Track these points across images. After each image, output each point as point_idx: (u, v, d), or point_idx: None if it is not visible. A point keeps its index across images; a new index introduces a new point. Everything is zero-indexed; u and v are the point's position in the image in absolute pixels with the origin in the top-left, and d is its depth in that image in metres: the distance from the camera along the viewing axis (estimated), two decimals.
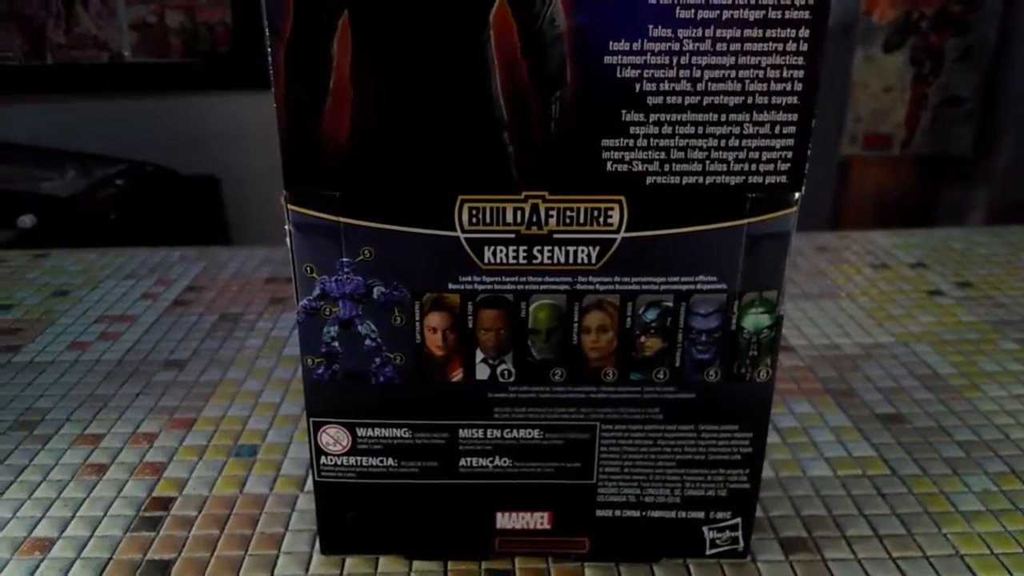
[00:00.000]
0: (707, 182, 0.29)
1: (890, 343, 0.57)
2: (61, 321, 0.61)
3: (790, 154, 0.29)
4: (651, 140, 0.28)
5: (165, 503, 0.41)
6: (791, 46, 0.27)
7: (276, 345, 0.57)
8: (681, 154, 0.29)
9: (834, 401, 0.50)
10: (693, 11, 0.27)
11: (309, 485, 0.42)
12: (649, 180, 0.29)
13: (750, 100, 0.28)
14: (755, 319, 0.31)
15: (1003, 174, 1.39)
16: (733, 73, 0.27)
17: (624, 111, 0.28)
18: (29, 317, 0.62)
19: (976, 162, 1.43)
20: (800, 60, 0.27)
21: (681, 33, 0.27)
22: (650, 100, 0.28)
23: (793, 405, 0.49)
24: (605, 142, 0.28)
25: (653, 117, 0.28)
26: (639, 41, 0.27)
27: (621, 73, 0.27)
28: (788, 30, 0.27)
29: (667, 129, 0.28)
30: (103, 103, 1.68)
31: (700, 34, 0.27)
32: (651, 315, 0.31)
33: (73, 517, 0.40)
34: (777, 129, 0.28)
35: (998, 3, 1.32)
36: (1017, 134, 1.36)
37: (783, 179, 0.29)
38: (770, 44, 0.27)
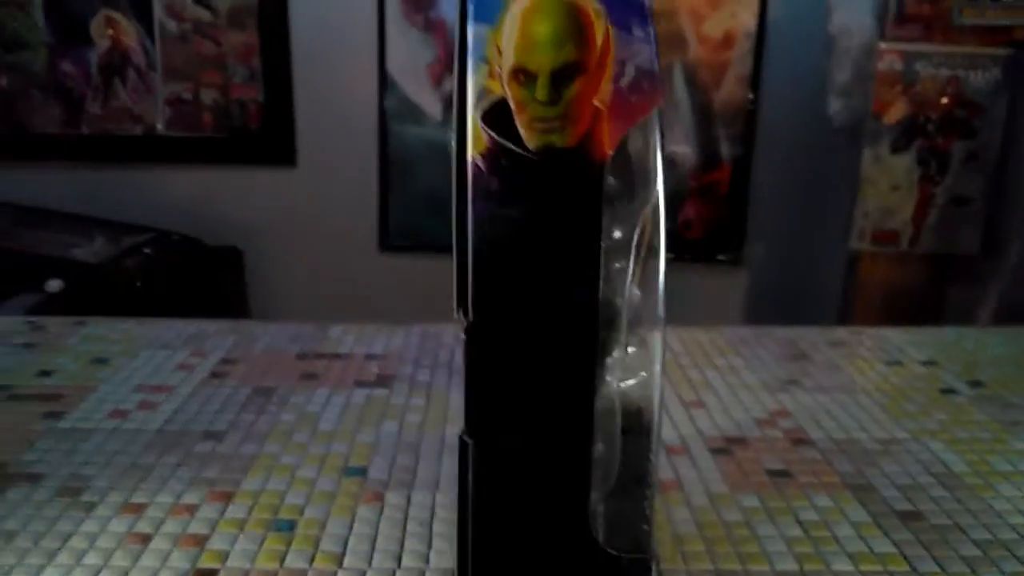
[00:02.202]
0: None
1: (906, 439, 0.59)
2: (101, 389, 0.63)
3: None
4: None
5: (209, 574, 0.42)
6: None
7: (310, 421, 0.59)
8: None
9: (853, 496, 0.51)
10: None
11: (348, 561, 0.43)
12: None
13: None
14: None
15: (1011, 273, 1.42)
16: None
17: None
18: (70, 384, 0.64)
19: (983, 261, 1.46)
20: None
21: None
22: None
23: (815, 498, 0.51)
24: None
25: None
26: None
27: None
28: None
29: None
30: (134, 173, 1.74)
31: None
32: None
33: None
34: None
35: (1002, 110, 1.38)
36: (1022, 235, 1.40)
37: None
38: None
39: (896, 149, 1.40)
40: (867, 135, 1.41)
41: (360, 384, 0.66)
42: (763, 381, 0.68)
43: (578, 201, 0.27)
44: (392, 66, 1.70)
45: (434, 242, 1.77)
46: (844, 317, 1.57)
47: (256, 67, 1.68)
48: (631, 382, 0.36)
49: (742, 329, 0.80)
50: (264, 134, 1.72)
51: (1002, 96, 1.38)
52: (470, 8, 0.26)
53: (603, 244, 0.30)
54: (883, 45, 1.37)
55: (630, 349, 0.35)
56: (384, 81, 1.71)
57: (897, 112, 1.39)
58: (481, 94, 0.27)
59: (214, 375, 0.67)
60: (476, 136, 0.27)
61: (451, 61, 1.65)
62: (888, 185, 1.42)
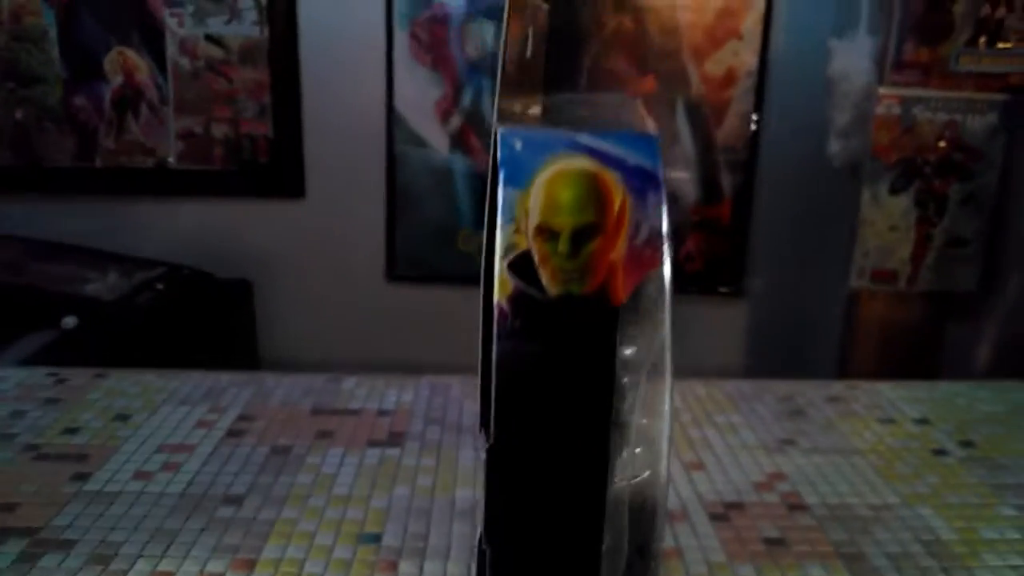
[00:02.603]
0: None
1: (897, 504, 0.61)
2: (124, 448, 0.66)
3: None
4: None
5: None
6: None
7: (325, 483, 0.62)
8: None
9: (845, 567, 0.53)
10: None
11: None
12: None
13: None
14: None
15: (1007, 312, 1.44)
16: None
17: None
18: (95, 443, 0.67)
19: (981, 300, 1.49)
20: None
21: None
22: None
23: (809, 569, 0.53)
24: None
25: None
26: None
27: None
28: None
29: None
30: (146, 205, 1.77)
31: None
32: None
33: None
34: None
35: (999, 153, 1.41)
36: (1019, 275, 1.43)
37: None
38: None
39: (895, 190, 1.43)
40: (866, 176, 1.44)
41: (372, 444, 0.68)
42: (761, 441, 0.70)
43: (593, 341, 0.30)
44: (400, 102, 1.73)
45: (441, 272, 1.80)
46: (844, 352, 1.60)
47: (266, 102, 1.72)
48: (640, 479, 0.39)
49: (741, 383, 0.82)
50: (273, 167, 1.75)
51: (999, 140, 1.41)
52: (501, 174, 0.29)
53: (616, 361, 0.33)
54: (882, 90, 1.40)
55: (638, 450, 0.38)
56: (392, 116, 1.74)
57: (895, 155, 1.42)
58: (509, 247, 0.29)
59: (231, 433, 0.69)
60: (503, 282, 0.30)
61: (458, 98, 1.67)
62: (886, 225, 1.45)
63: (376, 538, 0.55)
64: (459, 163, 1.75)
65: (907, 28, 1.36)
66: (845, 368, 1.58)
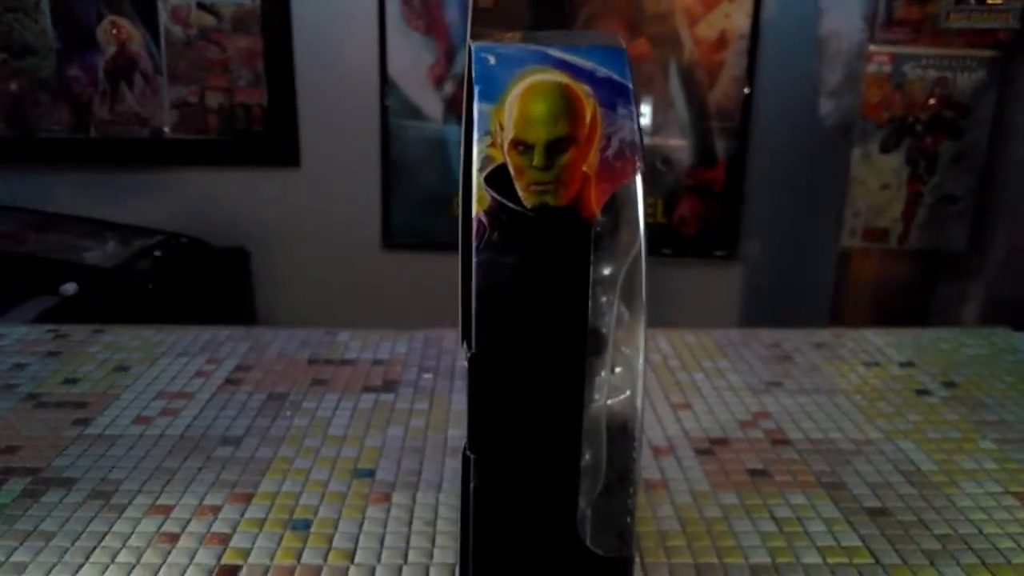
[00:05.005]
0: None
1: (879, 439, 0.63)
2: (124, 396, 0.68)
3: None
4: None
5: (233, 571, 0.46)
6: None
7: (321, 425, 0.63)
8: None
9: (826, 494, 0.55)
10: None
11: (359, 558, 0.47)
12: None
13: None
14: None
15: (996, 270, 1.46)
16: None
17: None
18: (95, 391, 0.68)
19: (970, 257, 1.50)
20: None
21: None
22: None
23: (789, 496, 0.55)
24: None
25: None
26: None
27: None
28: None
29: None
30: (141, 175, 1.77)
31: None
32: None
33: None
34: None
35: (989, 110, 1.41)
36: (1008, 233, 1.44)
37: None
38: None
39: (885, 149, 1.44)
40: (857, 135, 1.44)
41: (368, 389, 0.70)
42: (747, 383, 0.72)
43: (569, 251, 0.31)
44: (393, 68, 1.73)
45: (435, 239, 1.81)
46: (836, 311, 1.61)
47: (260, 71, 1.72)
48: (618, 399, 0.40)
49: (730, 331, 0.84)
50: (268, 136, 1.76)
51: (988, 96, 1.42)
52: (476, 89, 0.30)
53: (592, 279, 0.34)
54: (872, 47, 1.40)
55: (617, 369, 0.39)
56: (385, 83, 1.74)
57: (886, 113, 1.42)
58: (485, 161, 0.30)
59: (229, 381, 0.71)
60: (480, 196, 0.31)
61: (451, 63, 1.67)
62: (878, 184, 1.46)
63: (370, 473, 0.57)
64: (453, 129, 1.76)
65: None
66: (836, 325, 1.59)
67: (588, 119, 0.30)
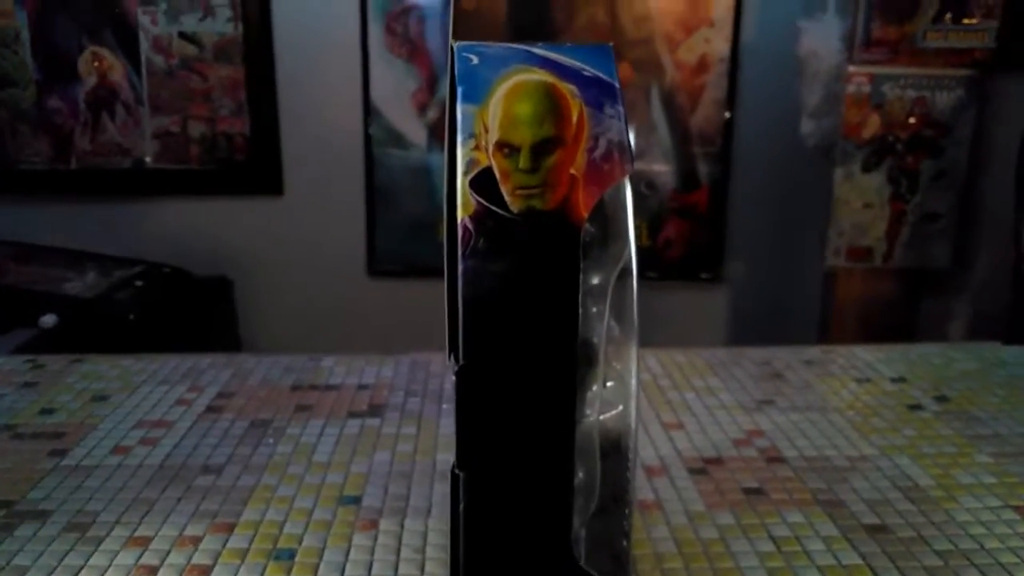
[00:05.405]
0: None
1: (874, 455, 0.62)
2: (102, 426, 0.66)
3: None
4: None
5: None
6: None
7: (305, 452, 0.62)
8: None
9: (824, 512, 0.54)
10: None
11: None
12: None
13: None
14: None
15: (979, 286, 1.46)
16: None
17: None
18: (72, 421, 0.67)
19: (954, 274, 1.51)
20: None
21: None
22: None
23: (786, 515, 0.53)
24: None
25: None
26: None
27: None
28: None
29: None
30: (123, 206, 1.76)
31: None
32: None
33: None
34: None
35: (968, 128, 1.43)
36: (990, 249, 1.45)
37: None
38: None
39: (867, 168, 1.45)
40: (839, 155, 1.45)
41: (353, 415, 0.68)
42: (739, 401, 0.71)
43: (557, 256, 0.30)
44: (376, 95, 1.73)
45: (421, 266, 1.80)
46: (822, 331, 1.61)
47: (242, 100, 1.71)
48: (610, 414, 0.39)
49: (719, 350, 0.83)
50: (251, 165, 1.75)
51: (967, 115, 1.43)
52: (459, 90, 0.29)
53: (581, 289, 0.33)
54: (851, 68, 1.41)
55: (608, 384, 0.38)
56: (368, 110, 1.74)
57: (867, 133, 1.44)
58: (469, 164, 0.30)
59: (211, 409, 0.69)
60: (465, 201, 0.30)
61: (434, 89, 1.68)
62: (861, 203, 1.46)
63: (356, 500, 0.55)
64: (437, 155, 1.76)
65: (874, 6, 1.38)
66: (823, 345, 1.59)
67: (575, 119, 0.30)
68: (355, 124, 1.76)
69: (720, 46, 1.70)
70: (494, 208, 0.30)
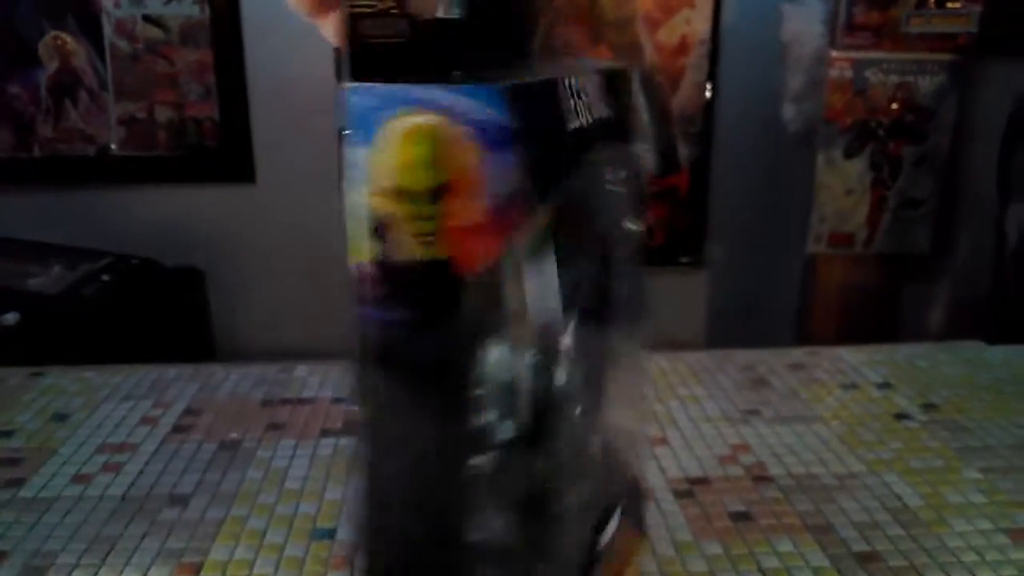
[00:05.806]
0: None
1: (862, 472, 0.60)
2: (62, 451, 0.63)
3: None
4: None
5: None
6: None
7: (276, 477, 0.59)
8: None
9: (813, 539, 0.52)
10: None
11: None
12: None
13: None
14: None
15: (959, 271, 1.46)
16: None
17: None
18: (30, 445, 0.64)
19: (934, 260, 1.50)
20: None
21: None
22: None
23: (775, 543, 0.52)
24: None
25: None
26: None
27: None
28: None
29: None
30: (88, 194, 1.71)
31: None
32: None
33: None
34: None
35: (950, 114, 1.41)
36: (970, 235, 1.44)
37: None
38: None
39: (849, 154, 1.43)
40: (820, 140, 1.43)
41: (326, 433, 0.66)
42: (724, 412, 0.69)
43: (452, 304, 0.29)
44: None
45: None
46: (803, 316, 1.60)
47: (211, 84, 1.66)
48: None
49: (703, 354, 0.81)
50: (221, 151, 1.70)
51: (949, 100, 1.42)
52: (348, 134, 0.28)
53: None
54: (834, 53, 1.39)
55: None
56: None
57: (849, 118, 1.42)
58: (362, 209, 0.28)
59: (177, 429, 0.66)
60: (356, 246, 0.28)
61: None
62: (842, 189, 1.45)
63: (330, 533, 0.53)
64: None
65: None
66: (804, 331, 1.58)
67: (468, 164, 0.28)
68: (328, 106, 1.71)
69: (700, 27, 1.67)
70: (386, 255, 0.28)
